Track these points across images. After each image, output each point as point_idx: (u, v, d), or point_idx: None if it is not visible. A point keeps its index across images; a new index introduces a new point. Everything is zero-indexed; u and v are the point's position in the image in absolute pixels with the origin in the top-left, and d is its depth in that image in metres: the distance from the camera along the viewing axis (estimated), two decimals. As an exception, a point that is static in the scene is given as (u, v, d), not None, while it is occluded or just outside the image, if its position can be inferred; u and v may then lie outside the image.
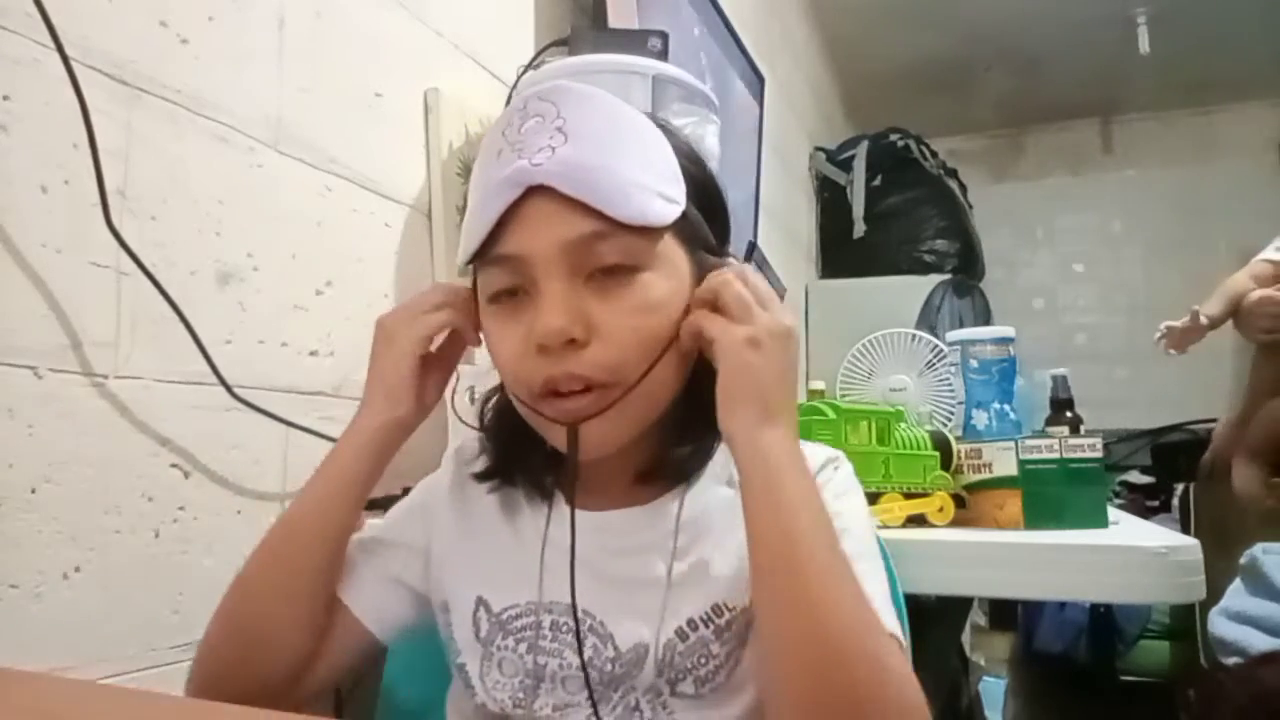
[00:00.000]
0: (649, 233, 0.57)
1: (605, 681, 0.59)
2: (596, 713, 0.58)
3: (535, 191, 0.56)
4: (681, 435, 0.63)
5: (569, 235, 0.56)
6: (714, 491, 0.63)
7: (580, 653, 0.58)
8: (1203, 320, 1.93)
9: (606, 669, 0.59)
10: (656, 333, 0.57)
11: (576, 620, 0.59)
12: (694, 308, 0.58)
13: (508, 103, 1.13)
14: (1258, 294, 1.91)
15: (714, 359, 0.56)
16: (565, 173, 0.55)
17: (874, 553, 0.61)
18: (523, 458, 0.66)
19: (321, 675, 0.64)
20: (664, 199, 0.58)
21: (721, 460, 0.65)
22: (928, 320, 2.53)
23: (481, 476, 0.68)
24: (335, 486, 0.64)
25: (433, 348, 0.66)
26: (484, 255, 0.59)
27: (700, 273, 0.61)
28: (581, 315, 0.56)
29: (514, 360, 0.58)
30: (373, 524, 0.72)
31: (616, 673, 0.58)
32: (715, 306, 0.57)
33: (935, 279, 2.69)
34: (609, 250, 0.56)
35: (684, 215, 0.59)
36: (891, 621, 0.55)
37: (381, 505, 0.95)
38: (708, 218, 0.62)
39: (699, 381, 0.61)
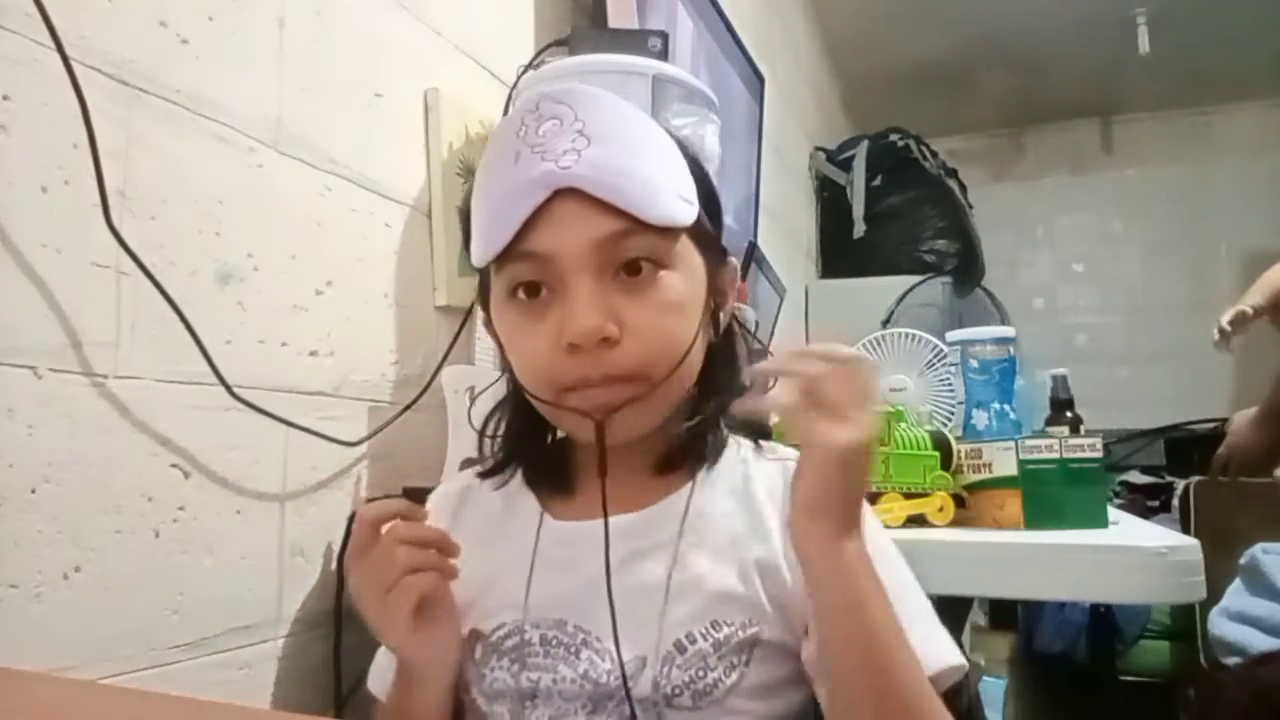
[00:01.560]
0: (670, 233, 0.59)
1: (602, 695, 0.58)
2: (631, 706, 0.57)
3: (563, 193, 0.57)
4: (694, 418, 0.64)
5: (598, 234, 0.57)
6: (720, 499, 0.63)
7: (623, 674, 0.57)
8: (1249, 312, 1.89)
9: (603, 680, 0.58)
10: (680, 332, 0.59)
11: (615, 626, 0.57)
12: (786, 399, 0.53)
13: (508, 102, 1.13)
14: None
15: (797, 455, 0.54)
16: (594, 175, 0.56)
17: (909, 574, 0.62)
18: (530, 461, 0.67)
19: None
20: (684, 200, 0.59)
21: (729, 462, 0.65)
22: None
23: (487, 473, 0.69)
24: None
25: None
26: (508, 254, 0.59)
27: (711, 273, 0.63)
28: (612, 313, 0.57)
29: (542, 360, 0.59)
30: None
31: (612, 685, 0.58)
32: (810, 397, 0.52)
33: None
34: (634, 247, 0.58)
35: (698, 217, 0.61)
36: (953, 652, 0.58)
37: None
38: (710, 220, 0.65)
39: (711, 364, 0.64)
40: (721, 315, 0.66)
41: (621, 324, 0.57)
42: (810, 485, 0.52)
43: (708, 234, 0.64)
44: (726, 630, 0.58)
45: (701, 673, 0.57)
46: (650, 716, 0.57)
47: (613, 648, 0.58)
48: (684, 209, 0.59)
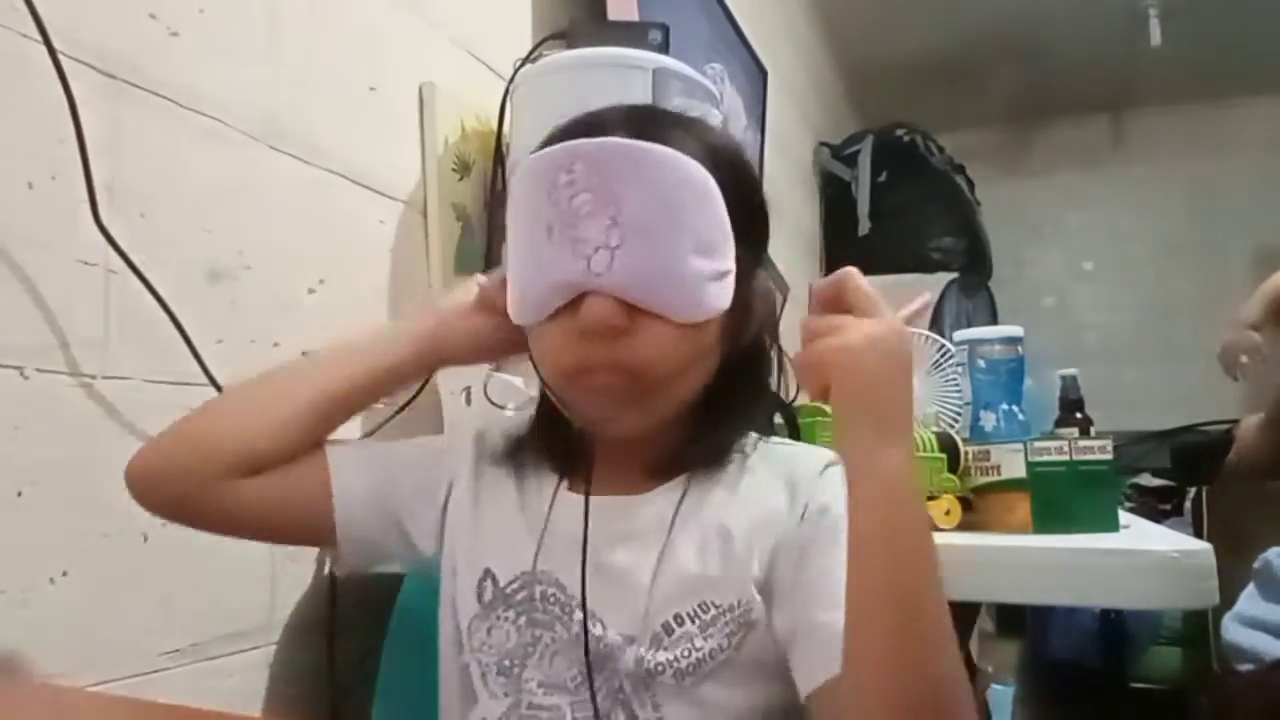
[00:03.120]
0: None
1: (593, 661, 0.61)
2: (592, 688, 0.60)
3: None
4: (704, 426, 0.66)
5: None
6: (716, 488, 0.66)
7: (585, 629, 0.60)
8: (1260, 345, 1.93)
9: (593, 648, 0.61)
10: (690, 343, 0.61)
11: (585, 605, 0.61)
12: (812, 310, 0.56)
13: (505, 96, 1.13)
14: None
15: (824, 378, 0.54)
16: (625, 284, 0.58)
17: None
18: (542, 442, 0.70)
19: (262, 497, 0.65)
20: (720, 277, 0.60)
21: (735, 465, 0.67)
22: (935, 320, 2.51)
23: (505, 453, 0.71)
24: (360, 340, 0.70)
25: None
26: None
27: (741, 293, 0.63)
28: (625, 311, 0.59)
29: (554, 342, 0.62)
30: (402, 444, 0.75)
31: (602, 653, 0.61)
32: (838, 305, 0.55)
33: (942, 277, 2.68)
34: None
35: (736, 255, 0.62)
36: None
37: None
38: (749, 220, 0.64)
39: (730, 372, 0.65)
40: (745, 330, 0.67)
41: (636, 321, 0.59)
42: (836, 394, 0.52)
43: (745, 261, 0.64)
44: (714, 612, 0.60)
45: (686, 652, 0.59)
46: (639, 688, 0.60)
47: (605, 616, 0.61)
48: (718, 296, 0.60)
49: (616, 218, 0.58)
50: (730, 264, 0.61)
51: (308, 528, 0.68)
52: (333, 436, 0.69)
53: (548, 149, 0.61)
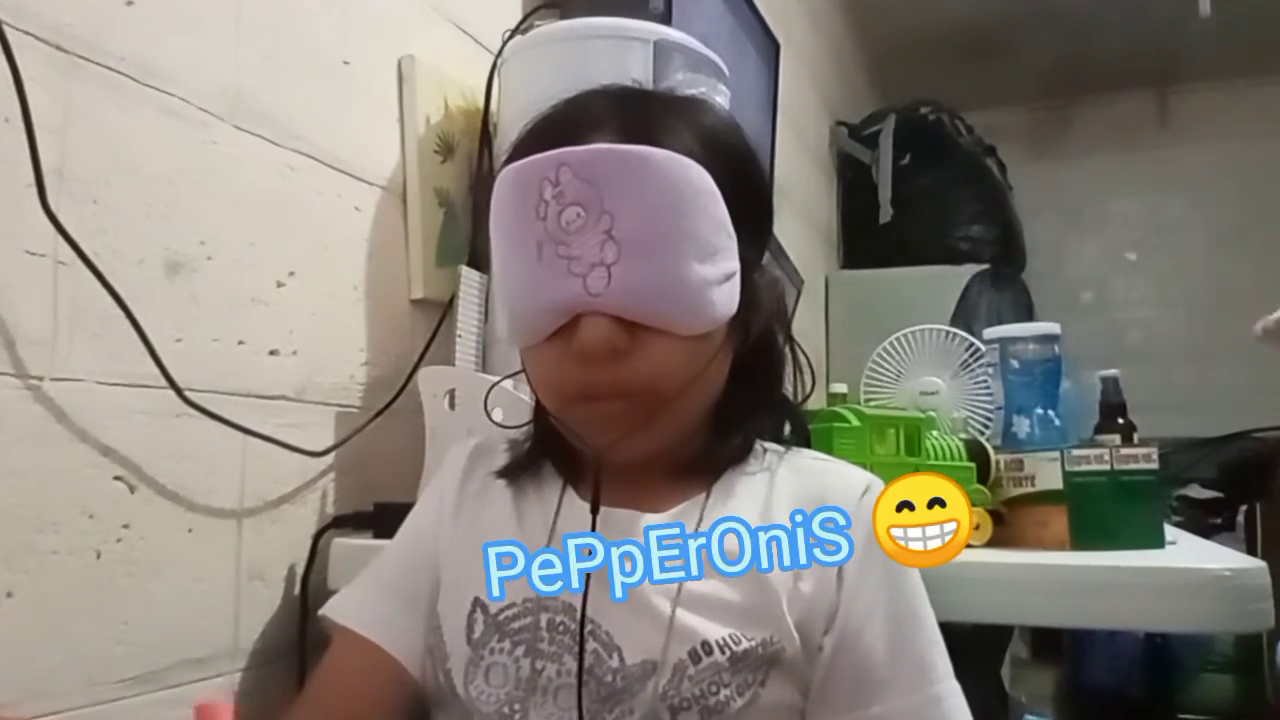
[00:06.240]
0: None
1: (603, 696, 0.60)
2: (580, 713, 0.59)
3: None
4: (721, 430, 0.67)
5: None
6: (740, 506, 0.66)
7: (580, 662, 0.60)
8: None
9: (607, 679, 0.60)
10: (700, 357, 0.62)
11: (582, 628, 0.61)
12: None
13: (492, 72, 1.13)
14: None
15: None
16: (626, 303, 0.59)
17: (928, 610, 0.65)
18: (548, 453, 0.71)
19: None
20: (724, 280, 0.61)
21: (753, 469, 0.68)
22: (964, 316, 2.52)
23: (501, 473, 0.71)
24: None
25: None
26: None
27: (745, 289, 0.64)
28: (626, 328, 0.59)
29: (553, 368, 0.62)
30: (394, 551, 0.75)
31: (617, 686, 0.60)
32: None
33: (971, 269, 2.69)
34: None
35: (740, 254, 0.63)
36: (962, 712, 0.61)
37: (351, 522, 0.96)
38: (751, 209, 0.65)
39: (742, 370, 0.66)
40: (753, 326, 0.68)
41: (637, 340, 0.60)
42: None
43: (749, 254, 0.65)
44: (746, 644, 0.60)
45: (714, 688, 0.59)
46: None
47: (622, 644, 0.61)
48: (724, 302, 0.61)
49: (611, 231, 0.58)
50: (734, 264, 0.62)
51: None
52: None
53: (530, 158, 0.60)
